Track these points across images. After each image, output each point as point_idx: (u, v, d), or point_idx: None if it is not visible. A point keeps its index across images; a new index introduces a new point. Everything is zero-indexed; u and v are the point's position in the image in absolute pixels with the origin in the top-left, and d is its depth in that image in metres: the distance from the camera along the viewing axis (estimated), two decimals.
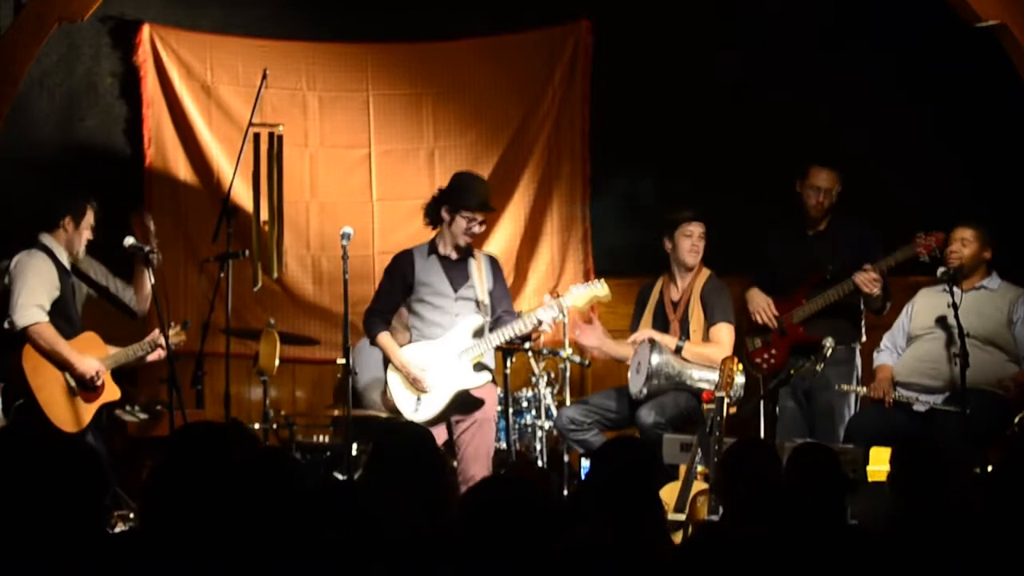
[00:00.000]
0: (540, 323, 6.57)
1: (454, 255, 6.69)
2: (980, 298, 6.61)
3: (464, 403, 6.61)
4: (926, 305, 6.77)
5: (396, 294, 6.73)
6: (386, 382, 6.67)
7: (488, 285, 6.72)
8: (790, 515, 3.99)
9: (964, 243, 6.65)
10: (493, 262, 6.86)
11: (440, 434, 6.47)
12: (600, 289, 6.79)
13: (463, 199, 6.63)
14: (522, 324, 6.58)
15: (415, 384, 6.57)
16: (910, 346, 6.77)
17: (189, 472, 3.67)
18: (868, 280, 6.68)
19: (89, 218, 6.49)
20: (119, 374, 6.72)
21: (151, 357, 6.57)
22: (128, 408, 7.19)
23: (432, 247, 6.73)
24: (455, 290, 6.67)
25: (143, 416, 7.19)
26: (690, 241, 7.03)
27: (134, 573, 3.46)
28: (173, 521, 3.57)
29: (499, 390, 6.77)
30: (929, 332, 6.67)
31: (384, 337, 6.67)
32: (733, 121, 8.01)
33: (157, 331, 6.48)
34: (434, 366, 6.57)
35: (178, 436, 4.20)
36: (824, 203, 6.99)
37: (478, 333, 6.62)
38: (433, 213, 6.72)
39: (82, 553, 3.50)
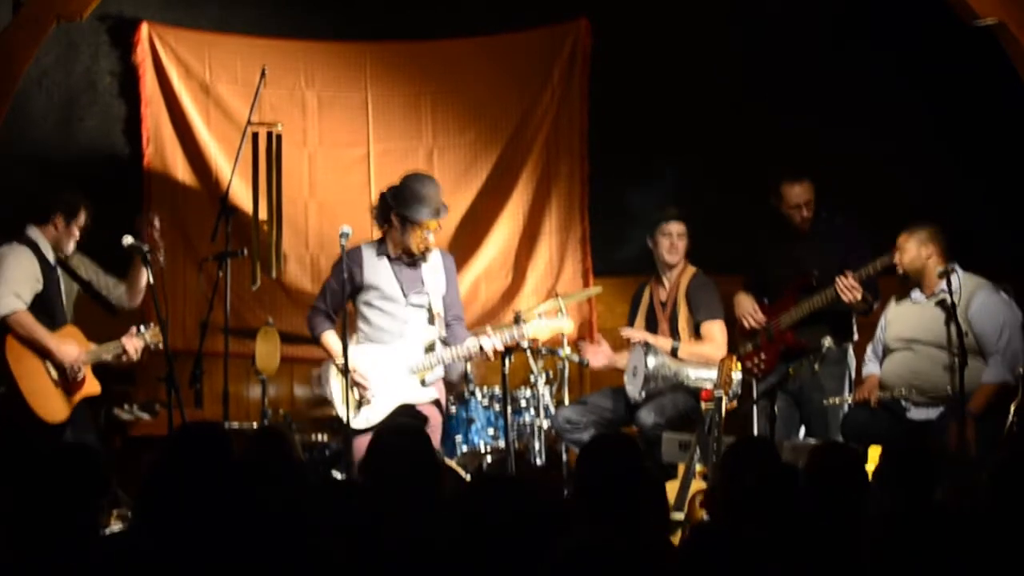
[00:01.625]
0: (481, 350, 6.38)
1: (406, 258, 6.48)
2: (940, 305, 6.46)
3: (407, 418, 6.42)
4: (897, 316, 6.69)
5: (343, 293, 6.46)
6: (328, 382, 6.50)
7: (442, 290, 6.55)
8: (807, 514, 3.97)
9: (901, 250, 6.55)
10: (448, 262, 6.64)
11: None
12: (566, 325, 6.63)
13: (416, 211, 6.34)
14: (464, 349, 6.41)
15: (356, 389, 6.36)
16: (887, 358, 6.67)
17: (185, 471, 3.67)
18: (847, 287, 6.64)
19: (81, 219, 6.49)
20: (119, 374, 6.72)
21: (124, 359, 6.56)
22: (127, 407, 7.18)
23: (382, 247, 6.51)
24: (406, 295, 6.46)
25: (142, 415, 7.18)
26: (669, 240, 7.06)
27: (131, 573, 3.45)
28: (168, 520, 3.57)
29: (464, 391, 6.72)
30: (904, 346, 6.61)
31: (329, 337, 6.47)
32: (732, 120, 8.01)
33: (134, 328, 6.53)
34: (379, 374, 6.40)
35: (174, 436, 4.21)
36: (808, 215, 7.00)
37: (430, 347, 6.47)
38: (382, 214, 6.48)
39: (79, 553, 3.50)
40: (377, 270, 6.47)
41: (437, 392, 6.56)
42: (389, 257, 6.48)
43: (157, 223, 6.64)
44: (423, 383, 6.48)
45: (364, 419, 6.37)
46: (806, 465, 4.32)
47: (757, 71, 8.06)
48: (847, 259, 6.77)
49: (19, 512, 3.73)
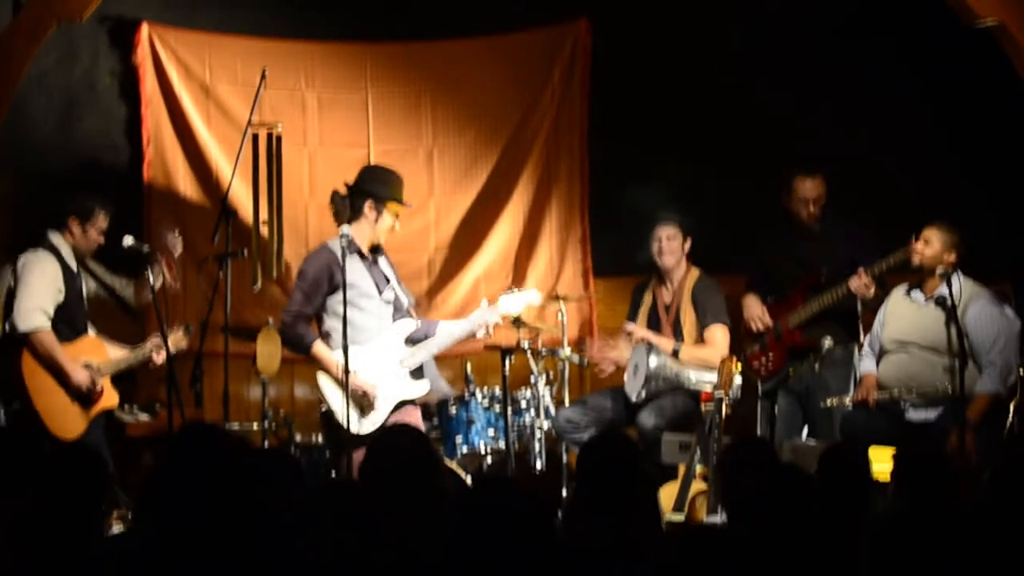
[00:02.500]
0: (487, 326, 6.32)
1: (370, 254, 6.35)
2: (937, 308, 6.42)
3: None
4: (895, 315, 6.68)
5: (322, 296, 6.27)
6: (327, 395, 6.27)
7: (395, 281, 6.43)
8: (806, 514, 3.97)
9: (927, 242, 6.53)
10: (386, 255, 6.51)
11: None
12: (534, 297, 6.61)
13: (392, 192, 6.30)
14: (463, 328, 6.36)
15: (364, 397, 6.18)
16: (883, 358, 6.64)
17: (186, 474, 3.67)
18: (862, 285, 6.66)
19: (99, 222, 6.41)
20: (120, 374, 6.72)
21: (152, 365, 6.53)
22: (127, 408, 7.18)
23: (352, 245, 6.18)
24: (379, 292, 6.34)
25: (142, 416, 7.18)
26: (658, 244, 7.08)
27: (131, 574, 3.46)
28: (169, 521, 3.57)
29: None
30: (900, 348, 6.59)
31: (320, 346, 6.24)
32: (732, 121, 8.01)
33: (158, 337, 6.41)
34: (375, 375, 6.25)
35: (176, 438, 4.21)
36: (815, 212, 7.00)
37: (410, 339, 6.38)
38: (354, 206, 6.29)
39: (80, 554, 3.50)
40: (352, 268, 6.20)
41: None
42: (360, 254, 6.31)
43: (179, 246, 6.66)
44: (415, 375, 6.40)
45: (371, 423, 6.21)
46: (817, 467, 4.33)
47: (757, 71, 8.06)
48: (855, 259, 6.77)
49: (22, 515, 3.73)
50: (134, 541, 3.65)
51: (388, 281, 6.39)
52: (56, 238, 6.36)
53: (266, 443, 6.98)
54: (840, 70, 8.03)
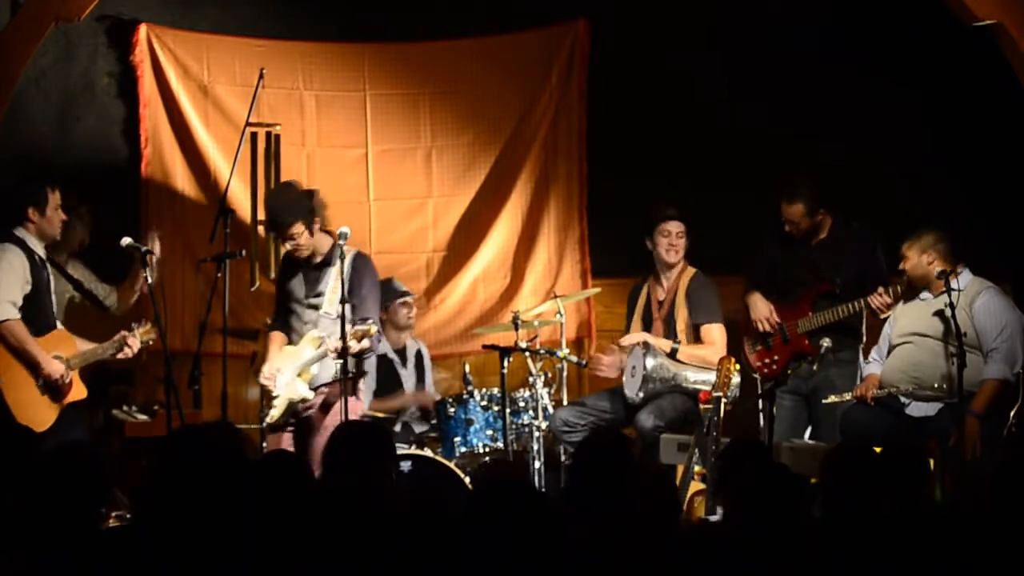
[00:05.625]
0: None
1: (314, 259, 6.55)
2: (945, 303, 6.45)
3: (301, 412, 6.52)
4: (905, 313, 6.72)
5: (280, 297, 6.69)
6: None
7: (341, 293, 6.43)
8: (800, 515, 3.97)
9: (904, 259, 6.60)
10: (356, 263, 6.53)
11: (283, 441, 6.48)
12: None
13: None
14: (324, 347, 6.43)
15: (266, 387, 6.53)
16: (891, 354, 6.67)
17: (181, 474, 3.67)
18: (883, 304, 6.70)
19: (53, 201, 6.40)
20: (118, 375, 6.70)
21: (120, 355, 6.55)
22: (125, 408, 7.17)
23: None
24: (305, 296, 6.55)
25: (140, 416, 7.17)
26: (667, 240, 7.07)
27: (127, 571, 3.45)
28: (167, 522, 3.57)
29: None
30: (907, 340, 6.61)
31: (274, 335, 6.64)
32: (731, 121, 8.01)
33: (124, 332, 6.48)
34: (281, 373, 6.48)
35: (170, 439, 4.20)
36: (797, 231, 6.98)
37: (319, 346, 6.46)
38: None
39: (76, 552, 3.50)
40: (290, 273, 6.60)
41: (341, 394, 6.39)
42: (300, 259, 6.54)
43: (157, 246, 6.70)
44: (310, 385, 6.48)
45: (269, 416, 6.49)
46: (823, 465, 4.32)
47: (755, 72, 8.06)
48: (863, 267, 6.79)
49: (19, 514, 3.73)
50: (131, 538, 3.65)
51: (320, 285, 6.50)
52: (20, 231, 6.36)
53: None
54: (838, 71, 8.03)
